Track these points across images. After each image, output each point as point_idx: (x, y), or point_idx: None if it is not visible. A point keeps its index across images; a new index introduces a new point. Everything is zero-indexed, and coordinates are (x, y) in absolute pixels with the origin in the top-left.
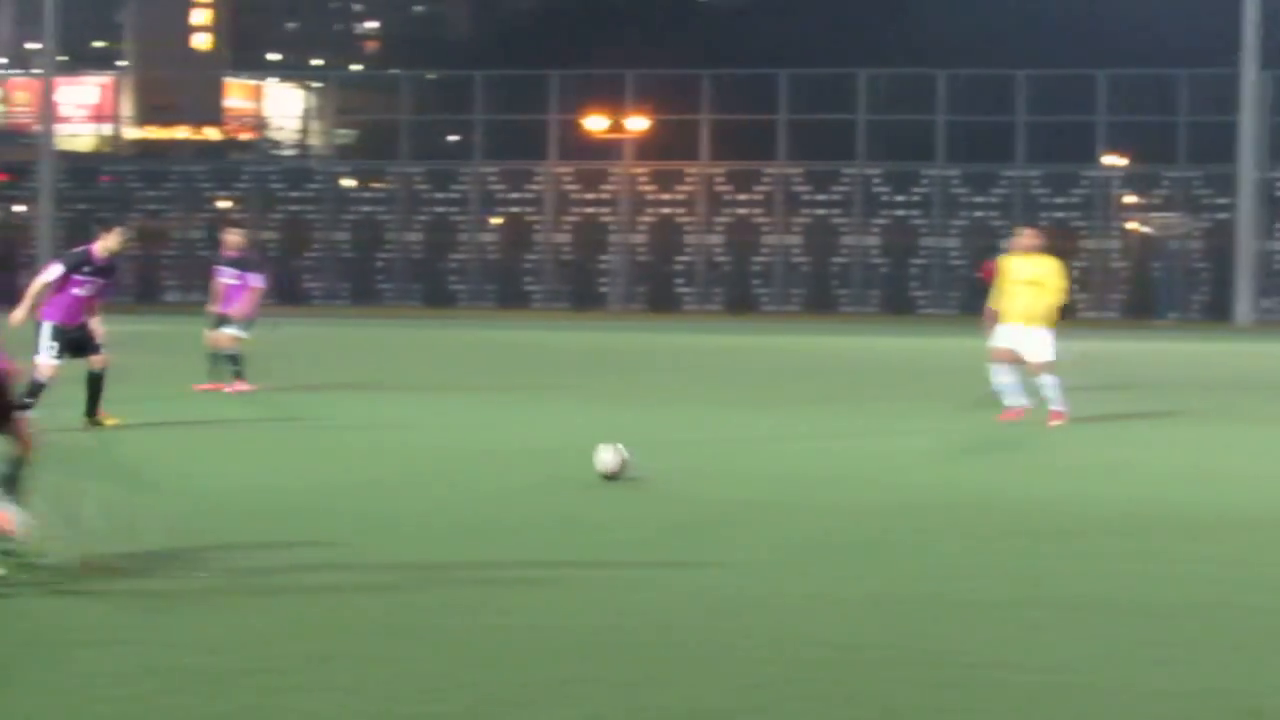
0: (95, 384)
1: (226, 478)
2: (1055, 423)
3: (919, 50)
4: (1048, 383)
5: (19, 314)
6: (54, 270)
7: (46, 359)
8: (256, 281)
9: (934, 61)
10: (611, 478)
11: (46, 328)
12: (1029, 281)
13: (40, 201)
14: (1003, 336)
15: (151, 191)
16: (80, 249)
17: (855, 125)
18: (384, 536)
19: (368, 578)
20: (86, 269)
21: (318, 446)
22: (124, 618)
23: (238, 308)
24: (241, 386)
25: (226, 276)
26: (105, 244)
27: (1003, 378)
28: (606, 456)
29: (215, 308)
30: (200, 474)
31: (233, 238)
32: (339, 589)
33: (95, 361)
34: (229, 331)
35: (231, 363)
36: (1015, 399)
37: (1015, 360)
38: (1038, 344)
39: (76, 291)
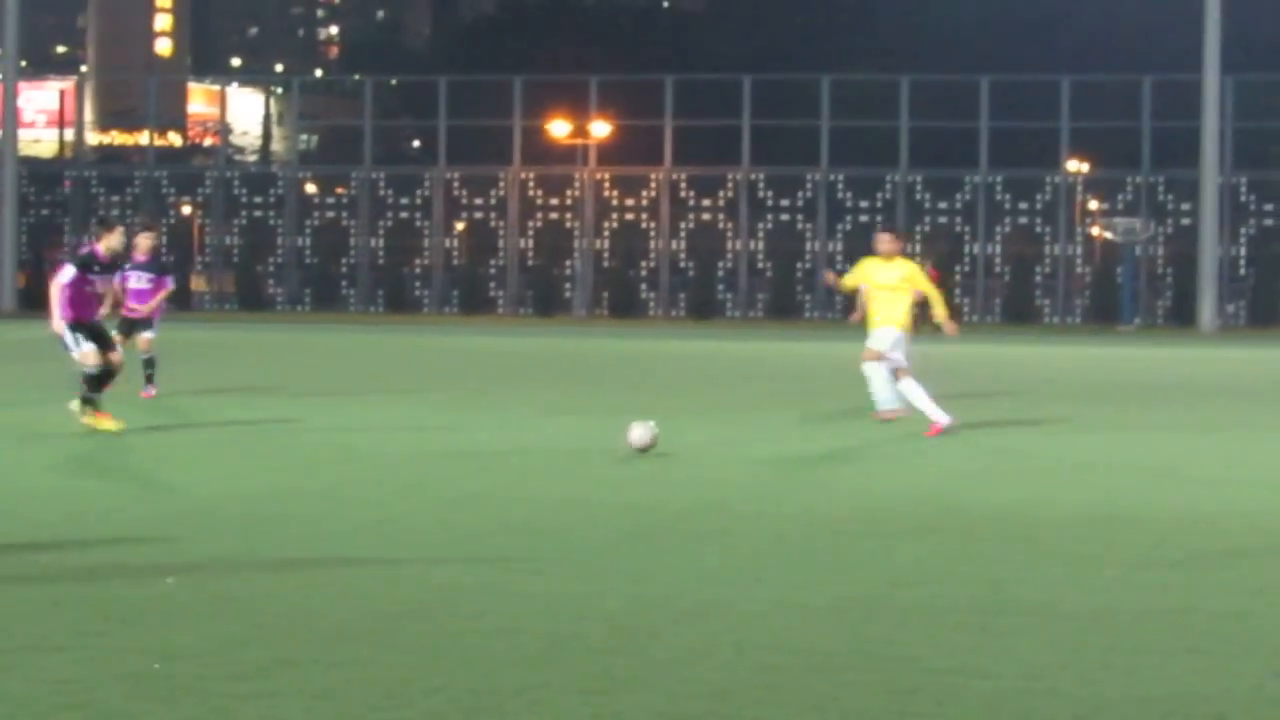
0: (107, 379)
1: (188, 483)
2: (883, 419)
3: (882, 55)
4: (868, 372)
5: (57, 324)
6: (67, 272)
7: (85, 348)
8: (170, 283)
9: (897, 67)
10: (644, 451)
11: (64, 327)
12: (888, 287)
13: (2, 207)
14: (877, 348)
15: (114, 196)
16: (86, 250)
17: (819, 131)
18: (345, 541)
19: (330, 583)
20: (96, 268)
21: (277, 451)
22: (89, 624)
23: (149, 308)
24: (153, 391)
25: (139, 281)
26: (108, 243)
27: (911, 390)
28: (639, 432)
29: (122, 312)
30: (162, 479)
31: (145, 241)
32: (302, 594)
33: (113, 358)
34: (147, 335)
35: (147, 366)
36: (936, 411)
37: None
38: (881, 338)
39: (89, 290)
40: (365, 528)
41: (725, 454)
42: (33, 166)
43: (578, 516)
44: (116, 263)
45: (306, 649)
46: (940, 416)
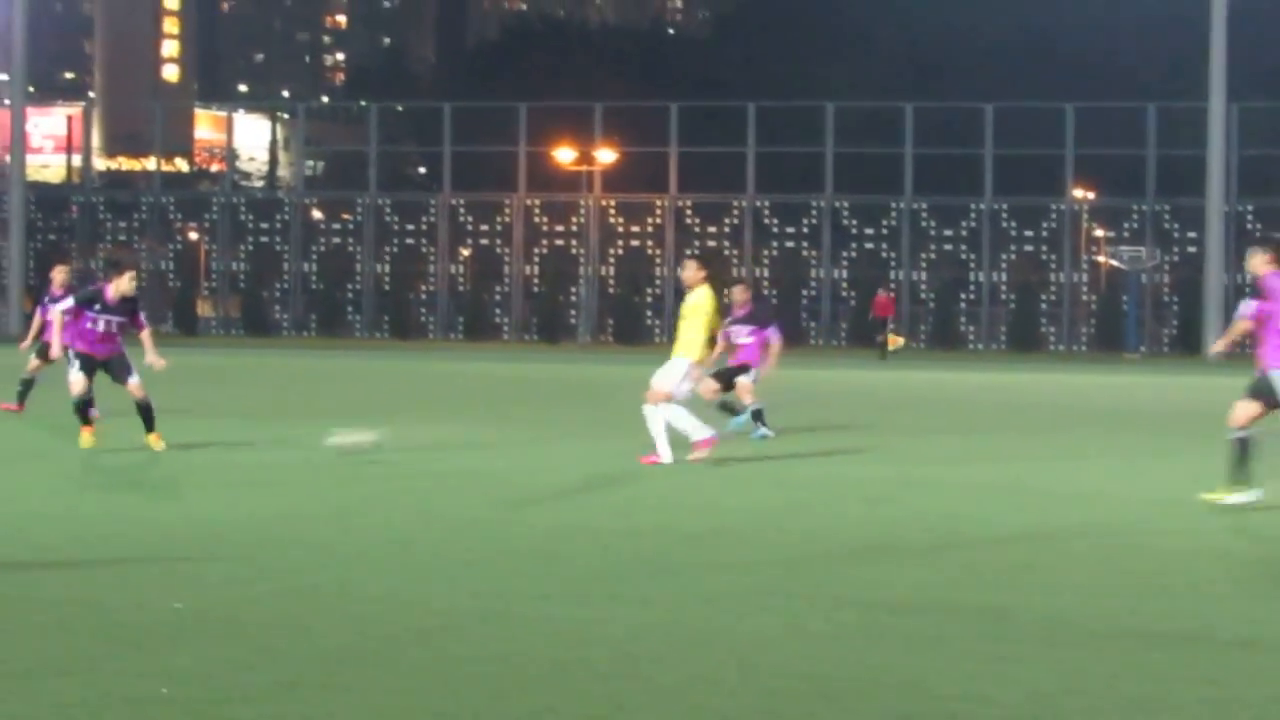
0: (141, 410)
1: (193, 506)
2: (648, 462)
3: (887, 83)
4: (648, 415)
5: (56, 349)
6: (66, 302)
7: (74, 376)
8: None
9: (901, 94)
10: (351, 453)
11: (70, 353)
12: (683, 313)
13: (10, 232)
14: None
15: (121, 222)
16: (95, 288)
17: (824, 158)
18: (349, 565)
19: (334, 607)
20: (97, 307)
21: (282, 475)
22: (96, 647)
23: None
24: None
25: (108, 325)
26: (117, 287)
27: (669, 414)
28: (347, 438)
29: (43, 339)
30: (167, 502)
31: (60, 275)
32: (307, 618)
33: (132, 390)
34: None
35: (27, 386)
36: (699, 431)
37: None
38: (667, 372)
39: (89, 326)
40: (370, 551)
41: (730, 479)
42: (40, 191)
43: (582, 541)
44: (129, 304)
45: (311, 673)
46: (665, 453)
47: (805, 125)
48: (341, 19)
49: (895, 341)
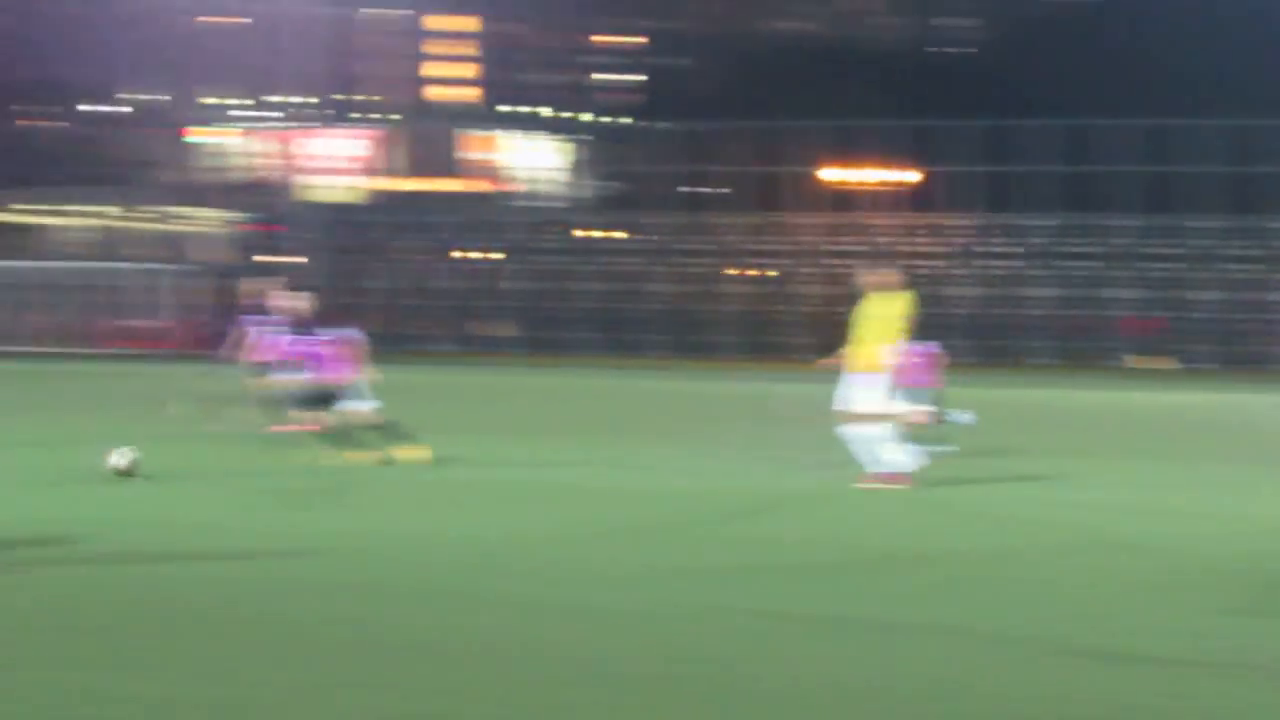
0: (378, 429)
1: (461, 523)
2: (863, 484)
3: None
4: (859, 437)
5: (254, 380)
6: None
7: (304, 413)
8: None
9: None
10: (124, 474)
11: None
12: (873, 318)
13: (304, 252)
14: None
15: (412, 242)
16: (291, 314)
17: (1117, 177)
18: (630, 588)
19: (616, 630)
20: (293, 330)
21: (572, 493)
22: (369, 665)
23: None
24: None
25: (261, 327)
26: (293, 308)
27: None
28: (114, 458)
29: (250, 357)
30: (461, 520)
31: (253, 289)
32: (593, 641)
33: (355, 416)
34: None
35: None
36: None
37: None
38: (870, 392)
39: (300, 349)
40: (654, 572)
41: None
42: (334, 212)
43: (779, 554)
44: (314, 326)
45: (595, 694)
46: (900, 463)
47: (1098, 144)
48: (636, 39)
49: (1145, 361)
